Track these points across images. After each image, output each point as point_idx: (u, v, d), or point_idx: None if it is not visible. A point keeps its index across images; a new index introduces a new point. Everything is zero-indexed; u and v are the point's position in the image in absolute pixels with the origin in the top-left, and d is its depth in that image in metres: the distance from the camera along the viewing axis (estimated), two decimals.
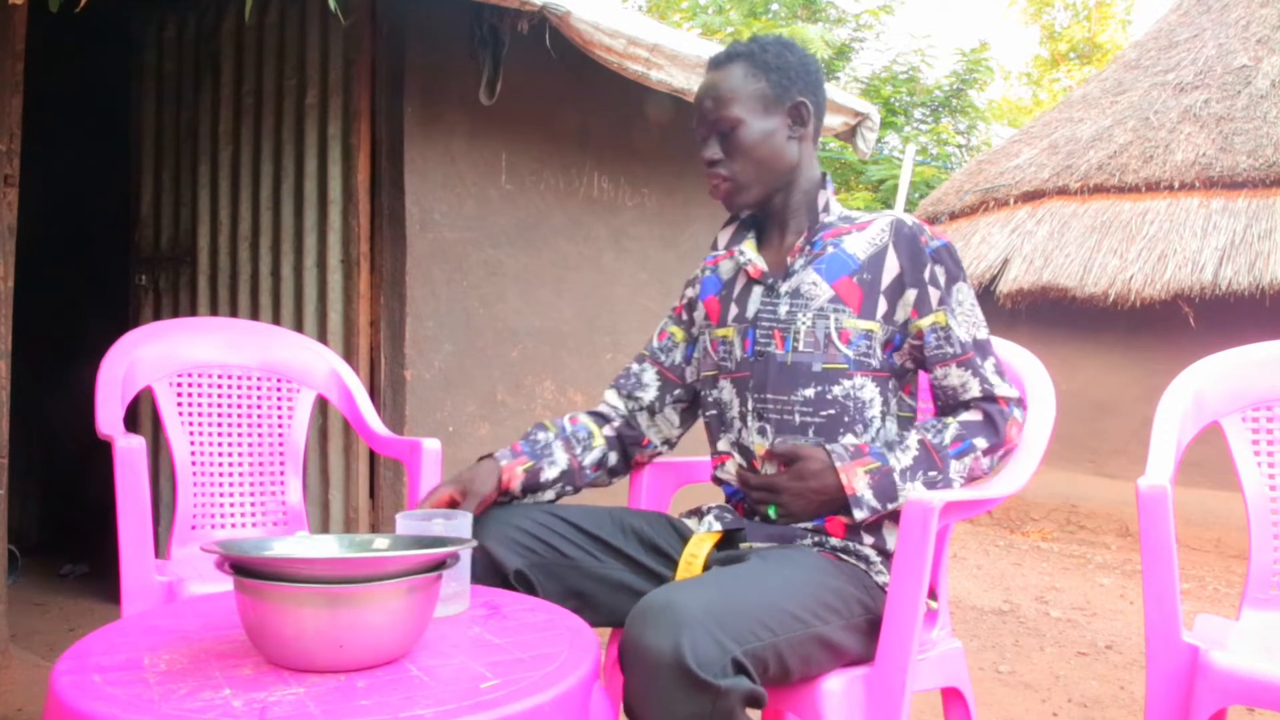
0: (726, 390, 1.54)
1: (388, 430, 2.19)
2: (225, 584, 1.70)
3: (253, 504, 2.17)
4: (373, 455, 3.06)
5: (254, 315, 3.14)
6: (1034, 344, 1.78)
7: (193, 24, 3.32)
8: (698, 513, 1.55)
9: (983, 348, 1.47)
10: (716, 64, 1.54)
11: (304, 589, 1.02)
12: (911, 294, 1.46)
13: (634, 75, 3.01)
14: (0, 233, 2.27)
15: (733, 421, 1.52)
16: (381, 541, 1.21)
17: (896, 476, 1.39)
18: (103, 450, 1.78)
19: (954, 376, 1.46)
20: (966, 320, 1.47)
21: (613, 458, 1.65)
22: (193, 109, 3.30)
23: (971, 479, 1.45)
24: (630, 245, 3.69)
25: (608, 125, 3.57)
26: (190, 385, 2.14)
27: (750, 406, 1.49)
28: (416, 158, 3.04)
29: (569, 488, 1.60)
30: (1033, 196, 6.43)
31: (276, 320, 3.10)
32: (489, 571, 1.43)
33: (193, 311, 3.25)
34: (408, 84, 3.02)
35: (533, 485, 1.56)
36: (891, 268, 1.46)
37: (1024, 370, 1.60)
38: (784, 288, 1.49)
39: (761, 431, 1.48)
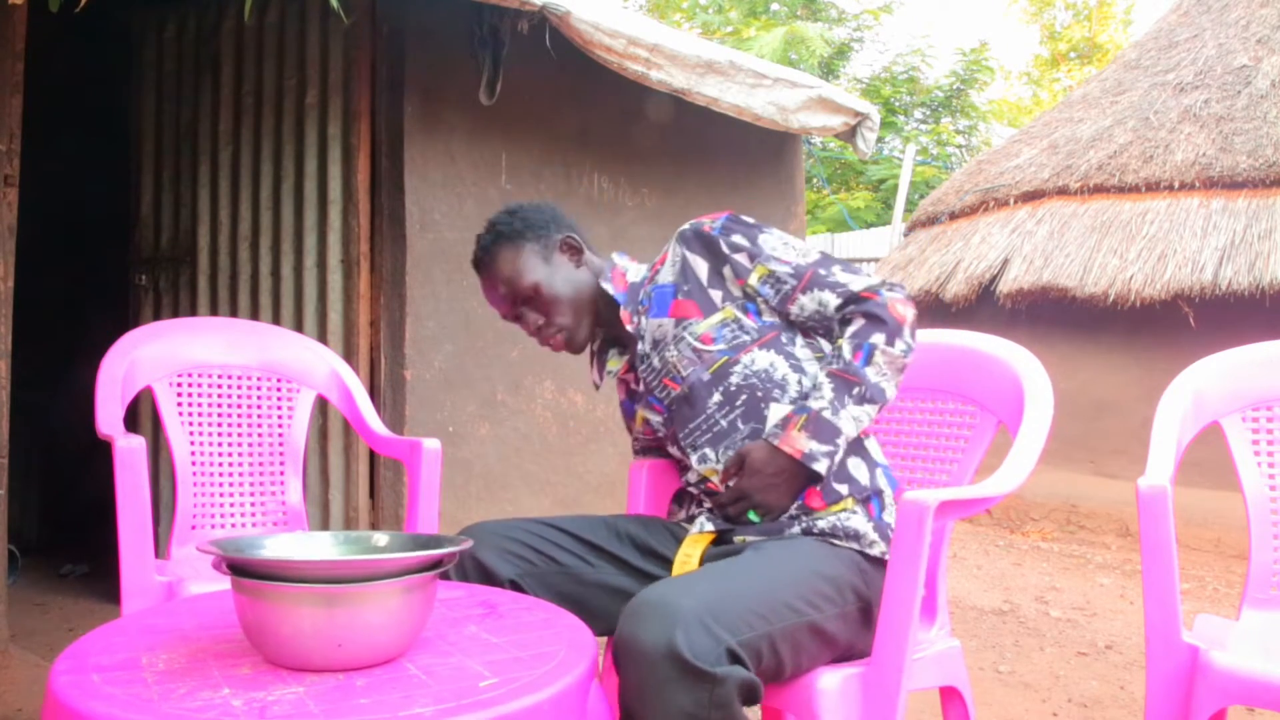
0: (675, 452, 1.61)
1: (388, 430, 2.19)
2: (225, 584, 1.70)
3: (253, 504, 2.17)
4: (373, 455, 3.06)
5: (254, 315, 3.14)
6: (1034, 344, 1.78)
7: (193, 24, 3.32)
8: (689, 513, 1.56)
9: (817, 265, 1.50)
10: (481, 263, 1.65)
11: (301, 589, 1.02)
12: (728, 270, 1.52)
13: (634, 75, 3.01)
14: (0, 233, 2.27)
15: (684, 465, 1.58)
16: (379, 539, 1.21)
17: (827, 414, 1.41)
18: (103, 450, 1.78)
19: (808, 302, 1.50)
20: (787, 254, 1.51)
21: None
22: (193, 109, 3.30)
23: (899, 370, 1.46)
24: (630, 245, 3.67)
25: (608, 125, 3.57)
26: (190, 385, 2.14)
27: (683, 444, 1.55)
28: (416, 158, 3.04)
29: None
30: (1033, 196, 6.42)
31: (276, 320, 3.10)
32: (482, 581, 1.45)
33: (193, 311, 3.25)
34: (408, 84, 3.02)
35: None
36: (699, 266, 1.54)
37: (1023, 369, 1.60)
38: (643, 348, 1.59)
39: (703, 459, 1.52)
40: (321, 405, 2.77)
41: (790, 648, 1.24)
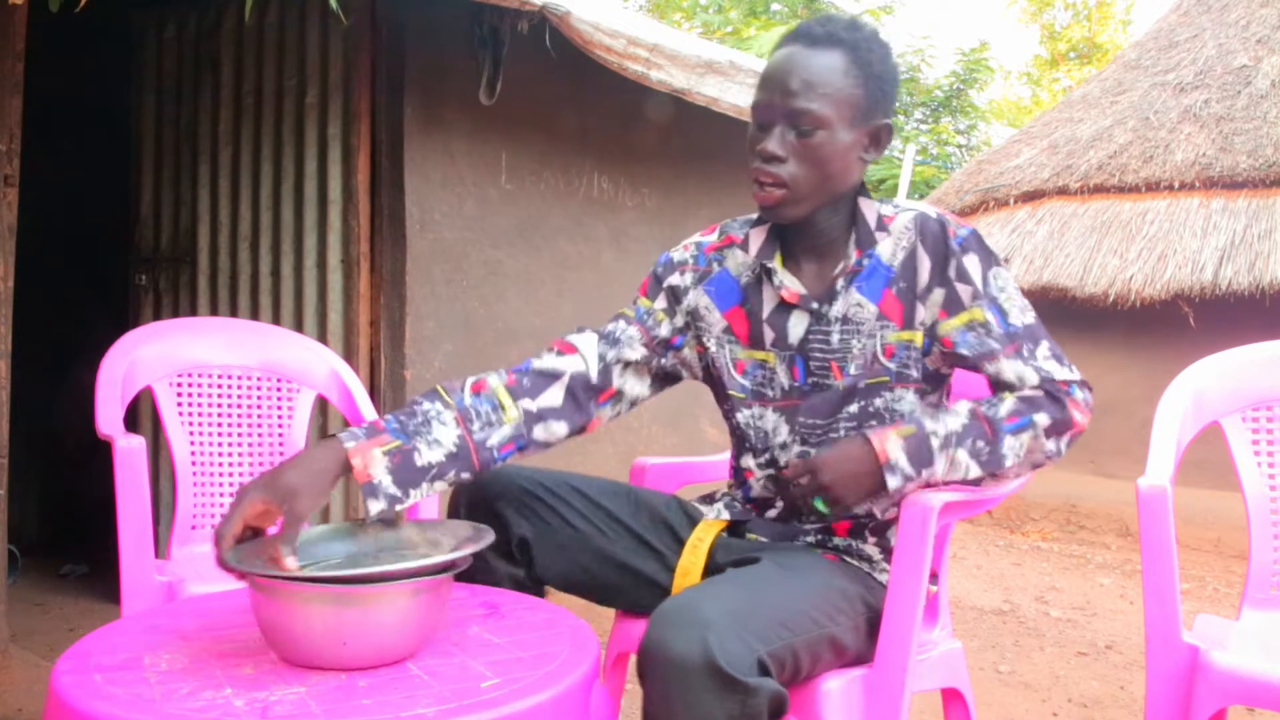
0: (769, 418, 1.44)
1: None
2: (225, 584, 1.70)
3: None
4: None
5: (254, 315, 3.13)
6: None
7: (193, 24, 3.32)
8: (710, 499, 1.54)
9: (1032, 333, 1.34)
10: (814, 41, 1.31)
11: (314, 589, 1.05)
12: (939, 294, 1.35)
13: (634, 75, 3.01)
14: (0, 233, 2.27)
15: (773, 447, 1.44)
16: (402, 534, 1.24)
17: (934, 441, 1.28)
18: (103, 450, 1.78)
19: (1007, 370, 1.33)
20: (1011, 307, 1.34)
21: (545, 431, 1.37)
22: (193, 109, 3.30)
23: (1034, 466, 1.34)
24: (630, 245, 3.69)
25: (608, 125, 3.57)
26: (190, 385, 2.14)
27: (797, 431, 1.41)
28: (416, 158, 3.04)
29: (464, 473, 1.30)
30: (1033, 196, 6.43)
31: (276, 320, 3.09)
32: (496, 530, 1.36)
33: (193, 311, 3.24)
34: (408, 84, 3.02)
35: (407, 476, 1.23)
36: (923, 271, 1.36)
37: None
38: (832, 313, 1.38)
39: (804, 455, 1.41)
40: (321, 405, 2.77)
41: (809, 658, 1.23)
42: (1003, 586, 3.96)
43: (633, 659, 1.61)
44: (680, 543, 1.47)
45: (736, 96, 3.34)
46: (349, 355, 2.97)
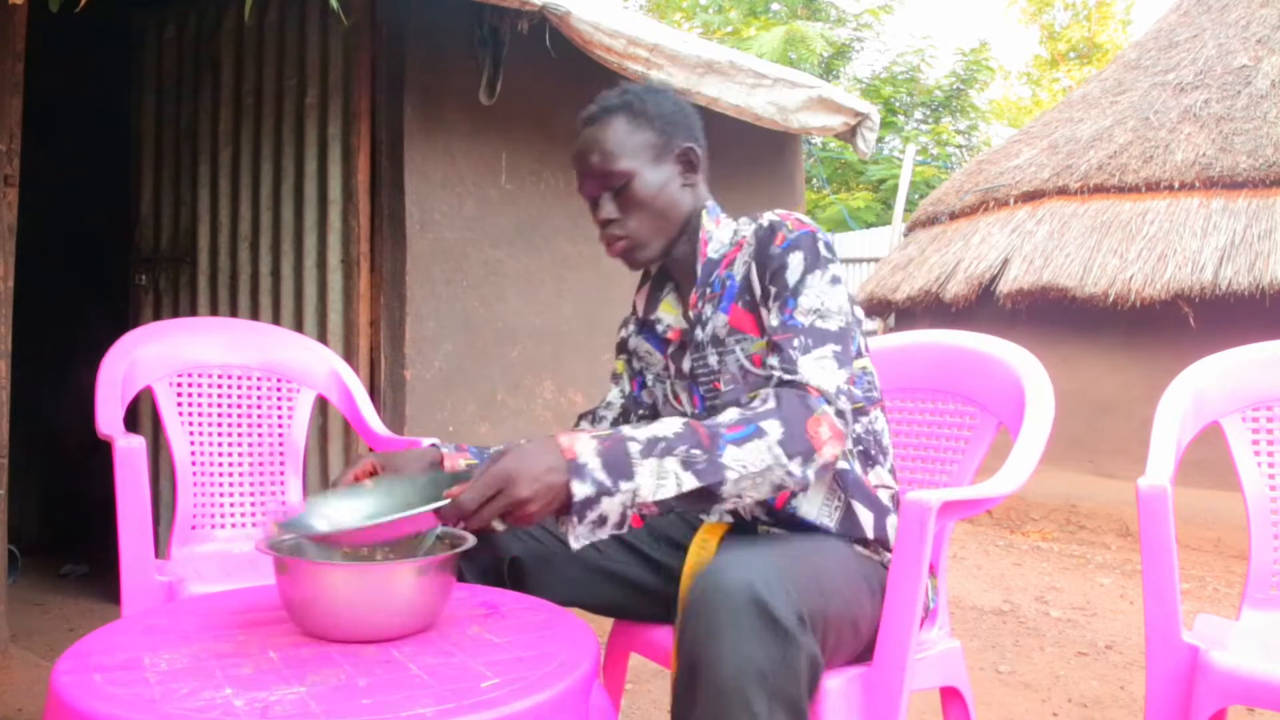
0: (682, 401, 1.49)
1: (388, 430, 2.19)
2: (225, 584, 1.70)
3: (253, 504, 2.17)
4: None
5: (254, 315, 3.14)
6: (1034, 344, 1.79)
7: (193, 24, 3.32)
8: None
9: (817, 335, 1.28)
10: (593, 120, 1.45)
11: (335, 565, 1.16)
12: (773, 307, 1.34)
13: (634, 75, 3.01)
14: (0, 233, 2.27)
15: None
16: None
17: (633, 446, 1.14)
18: (103, 450, 1.78)
19: (768, 361, 1.30)
20: (807, 303, 1.31)
21: None
22: (193, 109, 3.30)
23: (775, 486, 1.20)
24: None
25: None
26: (190, 385, 2.14)
27: None
28: (416, 158, 3.04)
29: None
30: (1033, 196, 6.42)
31: (276, 320, 3.10)
32: (483, 556, 1.41)
33: (193, 311, 3.25)
34: (408, 84, 3.02)
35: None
36: (754, 279, 1.38)
37: (1023, 370, 1.60)
38: (702, 336, 1.43)
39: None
40: (321, 405, 2.77)
41: (835, 635, 1.22)
42: (1003, 586, 3.96)
43: (632, 658, 1.61)
44: (680, 548, 1.47)
45: (736, 96, 3.34)
46: (349, 355, 2.97)
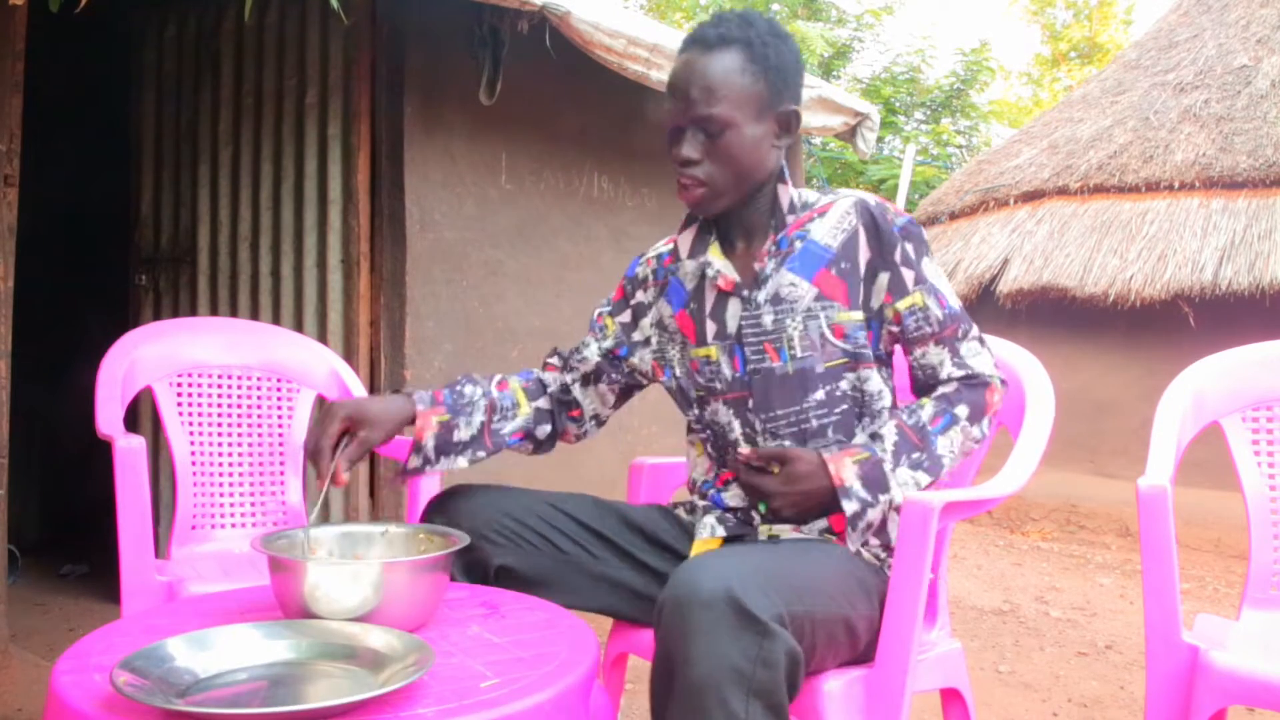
0: (722, 413, 1.45)
1: None
2: (225, 584, 1.70)
3: (253, 504, 2.17)
4: (373, 455, 3.05)
5: (254, 315, 3.13)
6: (1034, 344, 1.78)
7: (193, 24, 3.32)
8: (691, 507, 1.53)
9: (960, 321, 1.42)
10: (708, 45, 1.35)
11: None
12: (884, 278, 1.39)
13: (634, 75, 3.01)
14: (0, 233, 2.27)
15: (737, 443, 1.44)
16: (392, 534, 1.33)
17: (886, 467, 1.33)
18: (103, 450, 1.78)
19: (932, 354, 1.42)
20: (945, 292, 1.42)
21: (542, 430, 1.57)
22: (193, 109, 3.30)
23: (966, 453, 1.41)
24: (630, 245, 3.69)
25: (608, 125, 3.57)
26: (190, 385, 2.14)
27: (759, 427, 1.42)
28: (416, 158, 3.04)
29: (480, 453, 1.50)
30: (1033, 196, 6.43)
31: (276, 320, 3.09)
32: (470, 562, 1.40)
33: (193, 311, 3.24)
34: (408, 84, 3.02)
35: (444, 446, 1.46)
36: (864, 253, 1.40)
37: (1023, 370, 1.60)
38: (761, 296, 1.41)
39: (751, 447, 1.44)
40: (321, 405, 2.77)
41: (825, 636, 1.22)
42: (1003, 586, 3.96)
43: (632, 659, 1.61)
44: (676, 554, 1.46)
45: None
46: (349, 355, 2.97)
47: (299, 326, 3.04)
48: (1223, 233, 5.46)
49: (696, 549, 1.43)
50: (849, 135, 3.86)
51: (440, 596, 1.21)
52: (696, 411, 1.50)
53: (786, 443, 1.41)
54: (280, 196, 3.13)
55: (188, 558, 2.01)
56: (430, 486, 2.01)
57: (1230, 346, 1.64)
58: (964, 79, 13.01)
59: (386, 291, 3.04)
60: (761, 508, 1.39)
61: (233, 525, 2.13)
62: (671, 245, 1.57)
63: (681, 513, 1.54)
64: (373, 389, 2.99)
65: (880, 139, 8.92)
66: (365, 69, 3.00)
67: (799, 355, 1.39)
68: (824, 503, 1.34)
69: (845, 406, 1.40)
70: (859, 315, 1.39)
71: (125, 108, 3.49)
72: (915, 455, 1.34)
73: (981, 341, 1.44)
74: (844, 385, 1.40)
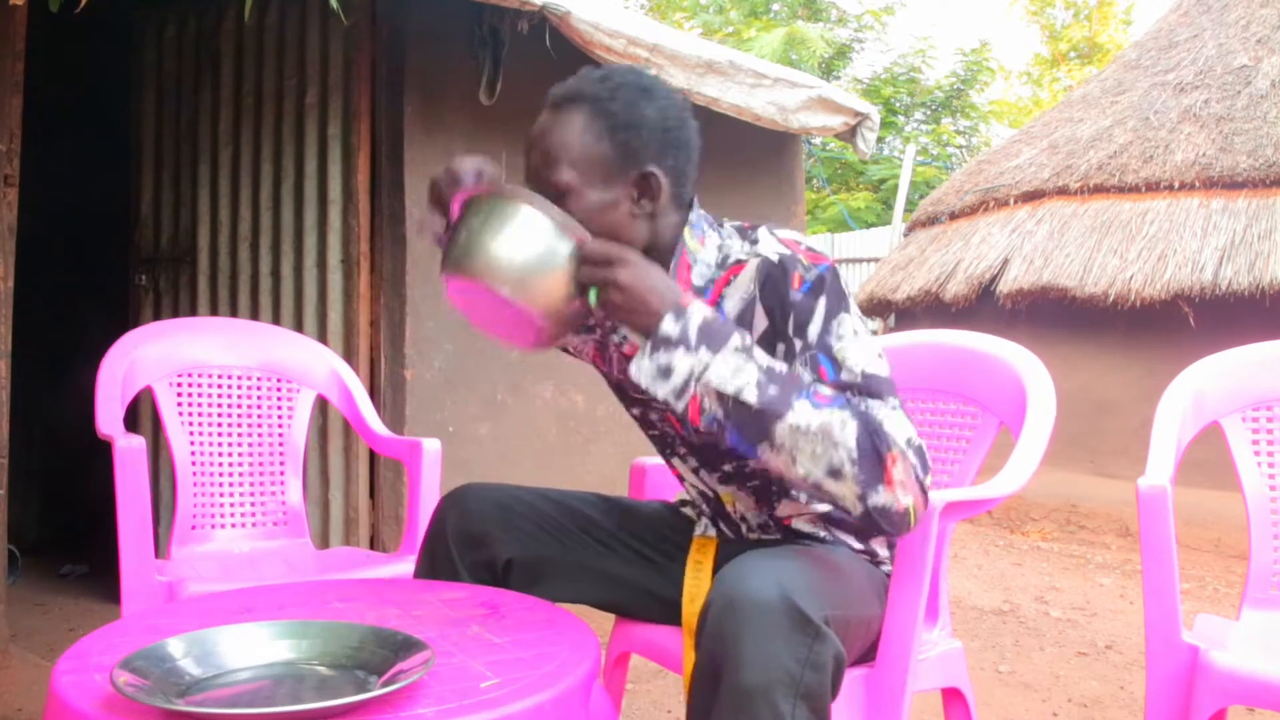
0: (656, 418, 1.42)
1: (388, 430, 2.19)
2: (225, 584, 1.70)
3: (253, 504, 2.17)
4: (373, 455, 3.06)
5: (254, 315, 3.14)
6: (1034, 344, 1.78)
7: (193, 24, 3.32)
8: (692, 504, 1.53)
9: (871, 386, 1.18)
10: (556, 105, 1.28)
11: None
12: (780, 349, 1.23)
13: None
14: (0, 233, 2.27)
15: (676, 441, 1.42)
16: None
17: (735, 339, 1.14)
18: (103, 450, 1.78)
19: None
20: (846, 357, 1.19)
21: None
22: (193, 109, 3.30)
23: (830, 472, 1.12)
24: None
25: None
26: (190, 385, 2.14)
27: (694, 438, 1.38)
28: (416, 158, 3.04)
29: None
30: (1033, 196, 6.42)
31: (276, 320, 3.09)
32: (479, 558, 1.41)
33: (193, 311, 3.25)
34: (408, 84, 3.02)
35: None
36: (759, 323, 1.25)
37: (1024, 369, 1.60)
38: None
39: (696, 471, 1.41)
40: (321, 405, 2.77)
41: (854, 639, 1.23)
42: (1003, 586, 3.95)
43: (632, 659, 1.61)
44: (682, 550, 1.46)
45: (736, 97, 3.34)
46: (349, 355, 2.97)
47: (299, 326, 3.04)
48: (1223, 233, 5.45)
49: (694, 556, 1.42)
50: (849, 135, 3.86)
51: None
52: (635, 411, 1.47)
53: (728, 467, 1.35)
54: (280, 196, 3.13)
55: (188, 558, 2.01)
56: (430, 491, 2.01)
57: (1230, 346, 1.64)
58: (964, 79, 13.02)
59: (386, 291, 3.04)
60: (593, 295, 1.18)
61: (233, 525, 2.13)
62: None
63: (690, 511, 1.54)
64: (373, 389, 2.99)
65: (880, 139, 8.92)
66: (365, 69, 3.00)
67: (702, 429, 1.23)
68: (656, 311, 1.15)
69: (756, 482, 1.36)
70: None
71: (125, 108, 3.49)
72: (773, 385, 1.13)
73: (898, 413, 1.18)
74: (751, 461, 1.28)
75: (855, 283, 9.07)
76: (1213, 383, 1.61)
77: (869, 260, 9.62)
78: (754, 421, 1.13)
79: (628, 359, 1.37)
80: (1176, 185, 5.81)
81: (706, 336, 1.14)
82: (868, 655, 1.33)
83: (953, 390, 1.68)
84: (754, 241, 1.29)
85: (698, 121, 1.35)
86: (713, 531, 1.45)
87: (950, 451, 1.66)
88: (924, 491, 1.16)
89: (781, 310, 1.22)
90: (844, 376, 1.18)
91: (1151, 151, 6.03)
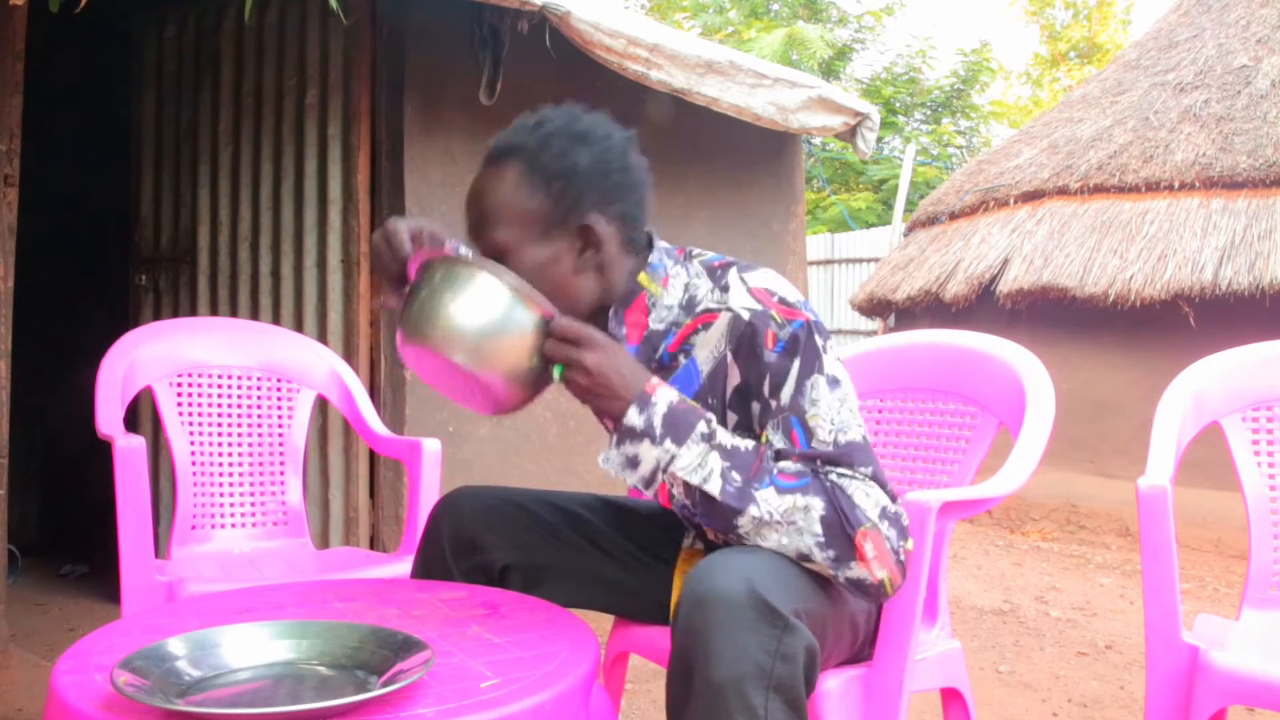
0: None
1: (388, 430, 2.19)
2: (225, 584, 1.70)
3: (253, 504, 2.17)
4: (373, 455, 3.06)
5: (254, 315, 3.14)
6: (1034, 344, 1.78)
7: (193, 24, 3.32)
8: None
9: (844, 456, 1.17)
10: (492, 159, 1.26)
11: None
12: (756, 406, 1.22)
13: (634, 75, 3.01)
14: (0, 232, 2.27)
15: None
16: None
17: (701, 426, 1.16)
18: (103, 450, 1.78)
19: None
20: (819, 425, 1.18)
21: None
22: (193, 109, 3.30)
23: (802, 556, 1.14)
24: None
25: None
26: (190, 385, 2.14)
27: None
28: (416, 158, 3.04)
29: None
30: (1033, 196, 6.42)
31: (276, 320, 3.10)
32: (474, 564, 1.41)
33: (193, 311, 3.25)
34: (408, 84, 3.02)
35: None
36: (733, 378, 1.24)
37: (1023, 369, 1.60)
38: None
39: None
40: (321, 405, 2.77)
41: (834, 634, 1.22)
42: (1003, 586, 3.96)
43: (632, 659, 1.61)
44: (675, 551, 1.46)
45: (736, 96, 3.34)
46: (349, 355, 2.97)
47: (299, 326, 3.04)
48: (1223, 233, 5.45)
49: (681, 566, 1.41)
50: (849, 135, 3.86)
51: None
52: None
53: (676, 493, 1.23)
54: (280, 196, 3.13)
55: (188, 558, 2.01)
56: (430, 491, 2.01)
57: (1230, 346, 1.64)
58: (964, 79, 13.02)
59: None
60: (557, 371, 1.18)
61: (233, 525, 2.14)
62: None
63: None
64: (373, 389, 2.99)
65: (880, 139, 8.91)
66: (365, 69, 3.01)
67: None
68: (623, 399, 1.16)
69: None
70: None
71: (125, 108, 3.49)
72: (734, 475, 1.15)
73: (870, 483, 1.17)
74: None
75: (855, 283, 9.07)
76: (1213, 383, 1.61)
77: (869, 260, 9.62)
78: (719, 512, 1.16)
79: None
80: (1176, 185, 5.81)
81: (671, 427, 1.16)
82: (864, 654, 1.33)
83: (952, 390, 1.68)
84: (725, 289, 1.25)
85: (645, 159, 1.31)
86: (700, 544, 1.44)
87: (949, 451, 1.66)
88: (900, 563, 1.16)
89: (757, 372, 1.21)
90: (815, 445, 1.18)
91: (1151, 151, 6.03)
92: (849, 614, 1.26)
